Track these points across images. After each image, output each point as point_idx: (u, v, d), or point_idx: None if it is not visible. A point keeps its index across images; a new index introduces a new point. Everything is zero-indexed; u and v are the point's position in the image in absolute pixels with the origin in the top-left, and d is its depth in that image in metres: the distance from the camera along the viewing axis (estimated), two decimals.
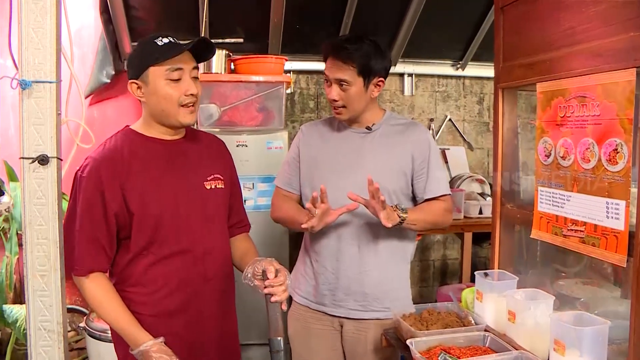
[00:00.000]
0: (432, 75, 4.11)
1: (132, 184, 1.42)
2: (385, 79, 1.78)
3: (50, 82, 1.26)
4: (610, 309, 1.62)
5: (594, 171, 1.28)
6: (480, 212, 3.47)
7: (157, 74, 1.42)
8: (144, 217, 1.43)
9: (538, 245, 1.80)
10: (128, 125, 1.55)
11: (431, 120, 4.12)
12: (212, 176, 1.56)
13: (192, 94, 1.46)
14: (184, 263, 1.49)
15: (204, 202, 1.53)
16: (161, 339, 1.37)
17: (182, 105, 1.45)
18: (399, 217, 1.64)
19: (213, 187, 1.56)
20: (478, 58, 3.92)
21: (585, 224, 1.33)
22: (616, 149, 1.21)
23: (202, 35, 3.04)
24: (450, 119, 4.16)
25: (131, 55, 1.52)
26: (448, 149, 4.10)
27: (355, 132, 1.82)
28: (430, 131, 4.12)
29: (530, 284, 1.62)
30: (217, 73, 3.10)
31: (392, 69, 3.92)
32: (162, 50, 1.41)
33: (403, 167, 1.77)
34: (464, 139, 4.17)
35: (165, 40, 1.44)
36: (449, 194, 1.82)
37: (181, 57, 1.44)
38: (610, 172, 1.23)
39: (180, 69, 1.43)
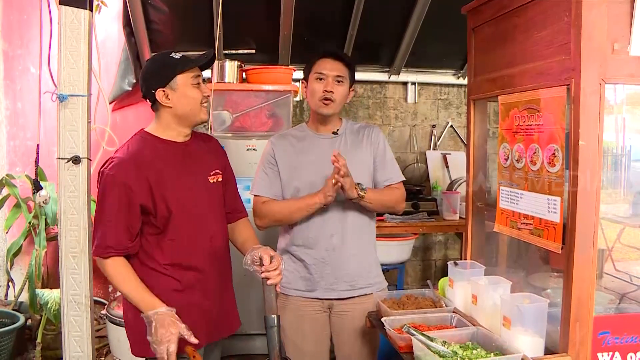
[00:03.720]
0: (434, 84, 4.31)
1: (155, 179, 1.65)
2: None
3: (83, 96, 1.52)
4: None
5: (539, 172, 1.50)
6: None
7: (184, 80, 1.69)
8: (165, 208, 1.67)
9: (515, 241, 2.00)
10: (143, 129, 1.78)
11: (433, 126, 4.32)
12: (214, 171, 1.83)
13: (207, 96, 1.76)
14: (197, 245, 1.74)
15: (208, 194, 1.80)
16: (173, 310, 1.60)
17: (202, 105, 1.74)
18: (359, 194, 1.90)
19: (215, 181, 1.83)
20: None
21: (533, 217, 1.54)
22: (554, 154, 1.43)
23: (217, 46, 3.29)
24: (451, 126, 4.36)
25: (152, 68, 1.74)
26: (449, 153, 4.29)
27: (323, 138, 2.06)
28: (433, 137, 4.33)
29: (502, 275, 1.81)
30: (230, 82, 3.33)
31: (396, 78, 4.17)
32: (184, 62, 1.70)
33: (368, 164, 2.06)
34: (465, 144, 4.36)
35: (179, 55, 1.72)
36: (403, 179, 2.13)
37: (196, 67, 1.74)
38: (550, 172, 1.45)
39: (200, 75, 1.74)
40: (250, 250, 1.72)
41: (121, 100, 3.76)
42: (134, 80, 3.63)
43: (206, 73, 3.09)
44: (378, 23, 3.67)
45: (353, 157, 2.01)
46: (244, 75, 3.43)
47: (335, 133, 2.07)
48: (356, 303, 2.03)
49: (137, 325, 1.64)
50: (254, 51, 3.76)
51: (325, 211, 1.98)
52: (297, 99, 3.96)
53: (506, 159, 1.69)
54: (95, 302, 3.67)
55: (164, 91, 1.70)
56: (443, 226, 3.62)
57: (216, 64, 3.30)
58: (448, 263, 1.89)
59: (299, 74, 3.86)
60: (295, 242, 2.04)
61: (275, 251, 1.73)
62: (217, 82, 3.28)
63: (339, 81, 2.00)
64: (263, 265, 1.65)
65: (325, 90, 1.97)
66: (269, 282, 1.64)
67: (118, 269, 1.63)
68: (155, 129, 1.76)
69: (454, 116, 4.38)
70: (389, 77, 4.17)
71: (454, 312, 1.75)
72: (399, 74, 4.14)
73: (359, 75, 4.07)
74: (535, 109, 1.52)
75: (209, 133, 3.31)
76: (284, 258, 2.04)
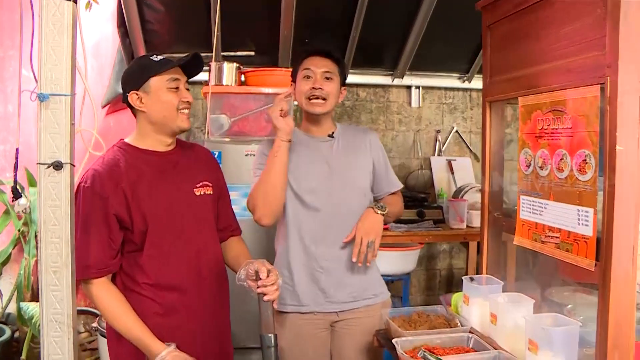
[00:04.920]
0: (439, 88, 4.20)
1: (130, 190, 1.56)
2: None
3: (65, 95, 1.38)
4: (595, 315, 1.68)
5: (567, 180, 1.36)
6: None
7: (158, 83, 1.59)
8: (142, 221, 1.56)
9: (530, 253, 1.87)
10: (122, 139, 1.69)
11: (438, 131, 4.20)
12: (201, 183, 1.71)
13: (187, 101, 1.63)
14: (180, 262, 1.62)
15: (194, 207, 1.67)
16: (173, 345, 1.49)
17: (179, 111, 1.62)
18: (382, 214, 1.86)
19: (202, 193, 1.70)
20: None
21: (560, 230, 1.40)
22: (585, 160, 1.29)
23: (215, 48, 3.17)
24: (456, 131, 4.24)
25: (128, 70, 1.68)
26: (454, 159, 4.17)
27: (320, 141, 1.93)
28: (437, 142, 4.20)
29: (518, 290, 1.68)
30: (228, 85, 3.22)
31: (400, 82, 4.04)
32: (160, 64, 1.60)
33: (367, 167, 1.95)
34: (470, 150, 4.24)
35: (160, 57, 1.63)
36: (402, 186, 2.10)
37: (176, 70, 1.63)
38: (581, 181, 1.31)
39: (177, 79, 1.62)
40: (244, 264, 1.58)
41: (115, 104, 3.62)
42: None
43: (203, 76, 2.96)
44: (382, 24, 3.56)
45: (352, 160, 1.91)
46: (242, 78, 3.33)
47: (331, 135, 1.95)
48: (360, 317, 1.90)
49: (120, 347, 1.58)
50: (253, 53, 3.64)
51: (325, 219, 1.86)
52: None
53: (528, 166, 1.55)
54: (87, 312, 3.54)
55: (137, 94, 1.60)
56: (450, 235, 3.48)
57: (214, 66, 3.18)
58: (463, 278, 1.75)
59: None
60: (293, 256, 1.90)
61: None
62: (215, 85, 3.16)
63: (327, 78, 1.87)
64: (259, 279, 1.52)
65: (314, 88, 1.85)
66: (265, 298, 1.50)
67: (108, 300, 1.55)
68: (134, 138, 1.67)
69: (459, 121, 4.26)
70: (393, 81, 4.04)
71: (470, 332, 1.61)
72: (402, 78, 4.02)
73: (361, 79, 4.03)
74: (562, 110, 1.38)
75: (205, 138, 3.19)
76: (284, 273, 1.89)
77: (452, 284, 4.32)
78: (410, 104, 4.16)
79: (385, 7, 3.43)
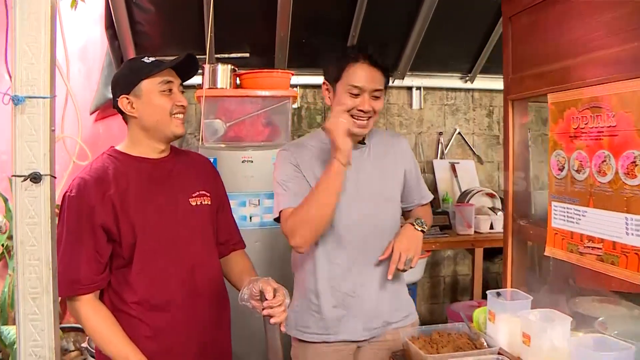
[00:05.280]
0: (440, 89, 4.07)
1: (118, 199, 1.44)
2: None
3: (44, 98, 1.22)
4: (631, 329, 1.53)
5: (611, 185, 1.22)
6: (492, 227, 3.40)
7: (150, 86, 1.49)
8: (131, 233, 1.45)
9: (550, 262, 1.74)
10: (113, 146, 1.58)
11: (440, 133, 4.06)
12: (198, 193, 1.58)
13: (182, 105, 1.53)
14: (172, 278, 1.50)
15: (189, 218, 1.55)
16: None
17: (173, 115, 1.51)
18: (421, 231, 1.69)
19: (198, 203, 1.58)
20: (487, 70, 3.87)
21: (602, 241, 1.25)
22: (634, 162, 1.15)
23: (208, 49, 3.02)
24: (459, 133, 4.10)
25: (118, 74, 1.58)
26: (458, 162, 4.03)
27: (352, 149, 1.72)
28: (440, 145, 4.06)
29: (543, 302, 1.54)
30: (223, 88, 3.06)
31: (400, 83, 3.91)
32: (151, 66, 1.50)
33: (399, 176, 1.78)
34: (474, 152, 4.11)
35: (152, 58, 1.52)
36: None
37: (169, 72, 1.52)
38: (629, 185, 1.16)
39: (170, 81, 1.51)
40: (247, 283, 1.44)
41: (105, 110, 3.44)
42: None
43: (196, 79, 2.80)
44: (382, 24, 3.42)
45: (383, 168, 1.73)
46: (237, 81, 3.17)
47: (362, 142, 1.73)
48: (388, 340, 1.74)
49: None
50: (248, 55, 3.49)
51: (357, 238, 1.67)
52: (296, 105, 3.69)
53: (561, 169, 1.40)
54: (77, 329, 3.37)
55: (127, 98, 1.50)
56: (457, 242, 3.34)
57: (207, 68, 3.02)
58: (488, 293, 1.59)
59: (297, 79, 3.63)
60: (320, 282, 1.69)
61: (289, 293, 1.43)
62: (209, 88, 3.00)
63: (376, 96, 1.62)
64: (264, 300, 1.37)
65: (362, 110, 1.59)
66: (272, 320, 1.35)
67: (96, 320, 1.43)
68: (126, 145, 1.56)
69: (461, 122, 4.12)
70: (393, 82, 3.89)
71: (499, 353, 1.46)
72: (403, 78, 3.88)
73: None
74: (602, 107, 1.24)
75: (199, 144, 3.03)
76: (309, 296, 1.72)
77: (457, 292, 4.18)
78: (411, 105, 4.02)
79: (386, 6, 3.29)
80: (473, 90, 4.08)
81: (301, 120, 3.84)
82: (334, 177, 1.54)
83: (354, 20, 3.34)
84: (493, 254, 3.86)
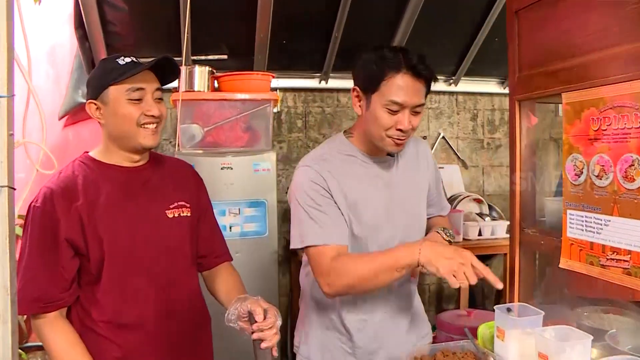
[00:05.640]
0: None
1: (87, 214, 1.33)
2: None
3: (1, 97, 1.06)
4: None
5: (639, 192, 1.11)
6: (480, 234, 3.32)
7: (117, 93, 1.36)
8: (99, 248, 1.34)
9: (557, 273, 1.64)
10: (87, 152, 1.46)
11: (424, 138, 3.97)
12: (176, 204, 1.47)
13: (152, 115, 1.38)
14: (144, 297, 1.39)
15: (165, 232, 1.44)
16: None
17: (141, 126, 1.38)
18: (448, 241, 1.58)
19: (176, 215, 1.46)
20: (471, 73, 3.80)
21: (630, 252, 1.15)
22: None
23: (184, 50, 2.86)
24: (443, 137, 4.02)
25: (91, 75, 1.46)
26: (442, 167, 3.94)
27: (380, 161, 1.55)
28: None
29: (548, 315, 1.44)
30: (200, 91, 2.92)
31: None
32: (122, 69, 1.36)
33: (425, 188, 1.64)
34: (458, 157, 4.03)
35: (128, 59, 1.39)
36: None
37: (143, 77, 1.37)
38: None
39: (141, 88, 1.37)
40: (234, 302, 1.32)
41: (74, 114, 3.24)
42: None
43: (172, 82, 2.64)
44: (365, 25, 3.32)
45: (411, 183, 1.57)
46: (215, 84, 3.04)
47: (391, 154, 1.55)
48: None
49: None
50: (226, 57, 3.34)
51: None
52: (276, 109, 3.54)
53: (578, 175, 1.29)
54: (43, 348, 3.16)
55: (95, 104, 1.38)
56: None
57: (184, 70, 2.86)
58: (496, 308, 1.48)
59: (277, 82, 3.49)
60: (351, 313, 1.55)
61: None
62: (185, 91, 2.84)
63: (417, 112, 1.42)
64: (253, 322, 1.25)
65: (401, 130, 1.40)
66: (263, 345, 1.24)
67: (57, 341, 1.30)
68: (99, 152, 1.44)
69: (445, 126, 4.04)
70: None
71: None
72: None
73: (343, 83, 3.75)
74: (628, 106, 1.13)
75: (175, 150, 2.86)
76: (341, 331, 1.57)
77: (442, 300, 4.10)
78: None
79: (369, 8, 3.19)
80: (457, 93, 4.01)
81: (281, 125, 3.70)
82: (402, 269, 1.35)
83: (336, 21, 3.23)
84: (481, 261, 3.78)
